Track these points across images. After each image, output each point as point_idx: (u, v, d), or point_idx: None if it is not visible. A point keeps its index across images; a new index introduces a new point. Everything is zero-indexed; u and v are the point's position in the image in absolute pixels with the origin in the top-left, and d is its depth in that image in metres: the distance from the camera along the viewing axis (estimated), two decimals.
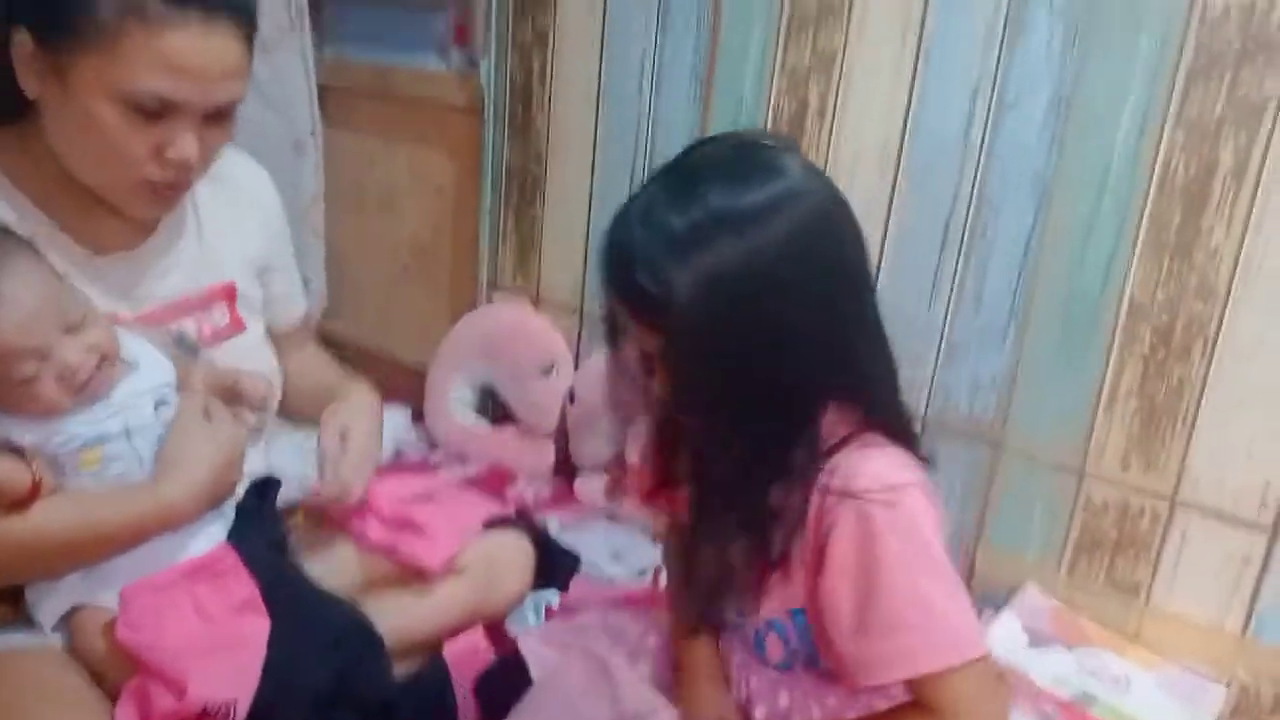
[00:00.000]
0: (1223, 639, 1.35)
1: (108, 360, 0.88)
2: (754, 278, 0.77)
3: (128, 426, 0.89)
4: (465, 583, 1.14)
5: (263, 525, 0.99)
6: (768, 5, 1.54)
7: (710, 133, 1.61)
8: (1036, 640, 1.41)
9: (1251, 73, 1.20)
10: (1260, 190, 1.23)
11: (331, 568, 1.09)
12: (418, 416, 2.08)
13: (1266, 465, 1.29)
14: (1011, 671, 1.34)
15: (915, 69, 1.43)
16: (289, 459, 1.18)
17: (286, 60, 1.97)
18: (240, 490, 1.00)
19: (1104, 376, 1.38)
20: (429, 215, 2.10)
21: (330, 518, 1.14)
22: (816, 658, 0.92)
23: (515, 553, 1.24)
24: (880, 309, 0.84)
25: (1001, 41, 1.34)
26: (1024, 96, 1.34)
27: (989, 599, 1.47)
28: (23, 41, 0.88)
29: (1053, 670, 1.36)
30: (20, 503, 0.84)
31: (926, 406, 1.51)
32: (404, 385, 2.09)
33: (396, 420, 2.01)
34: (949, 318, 1.48)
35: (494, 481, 1.92)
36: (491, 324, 2.00)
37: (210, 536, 0.95)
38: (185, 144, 0.91)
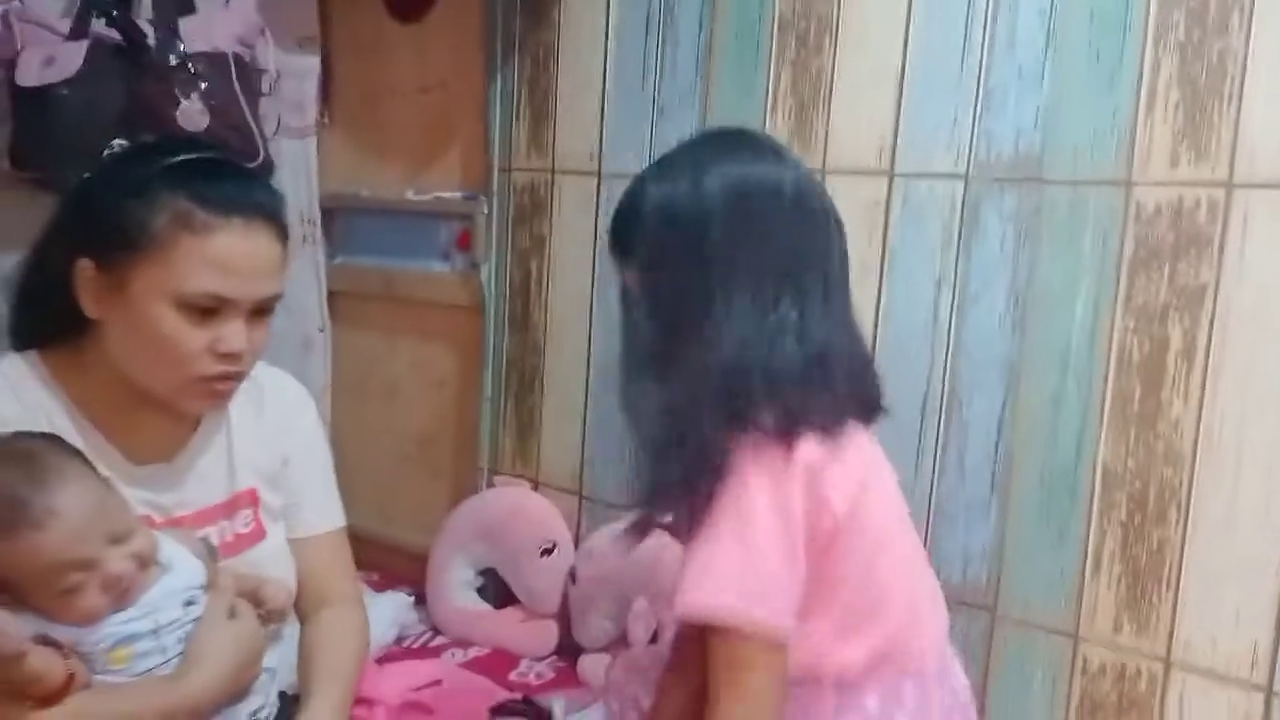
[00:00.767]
0: None
1: (148, 566, 0.94)
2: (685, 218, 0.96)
3: (158, 625, 0.95)
4: None
5: None
6: None
7: None
8: None
9: (1186, 264, 1.33)
10: (1210, 368, 1.33)
11: None
12: (420, 600, 2.10)
13: (1253, 624, 1.34)
14: None
15: (882, 269, 1.56)
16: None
17: (299, 267, 2.11)
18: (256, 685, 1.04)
19: (1087, 543, 1.45)
20: (431, 406, 2.20)
21: None
22: None
23: None
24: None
25: (958, 242, 1.48)
26: (984, 290, 1.46)
27: None
28: (84, 267, 0.99)
29: None
30: (54, 696, 0.89)
31: None
32: (406, 569, 2.13)
33: (399, 604, 2.04)
34: (933, 491, 1.56)
35: (498, 664, 1.92)
36: (492, 507, 2.05)
37: None
38: (235, 337, 1.00)
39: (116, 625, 0.93)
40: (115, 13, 1.67)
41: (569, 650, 1.94)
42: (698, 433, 0.94)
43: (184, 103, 1.68)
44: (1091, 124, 1.38)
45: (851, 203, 1.57)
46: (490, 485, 2.10)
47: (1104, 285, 1.39)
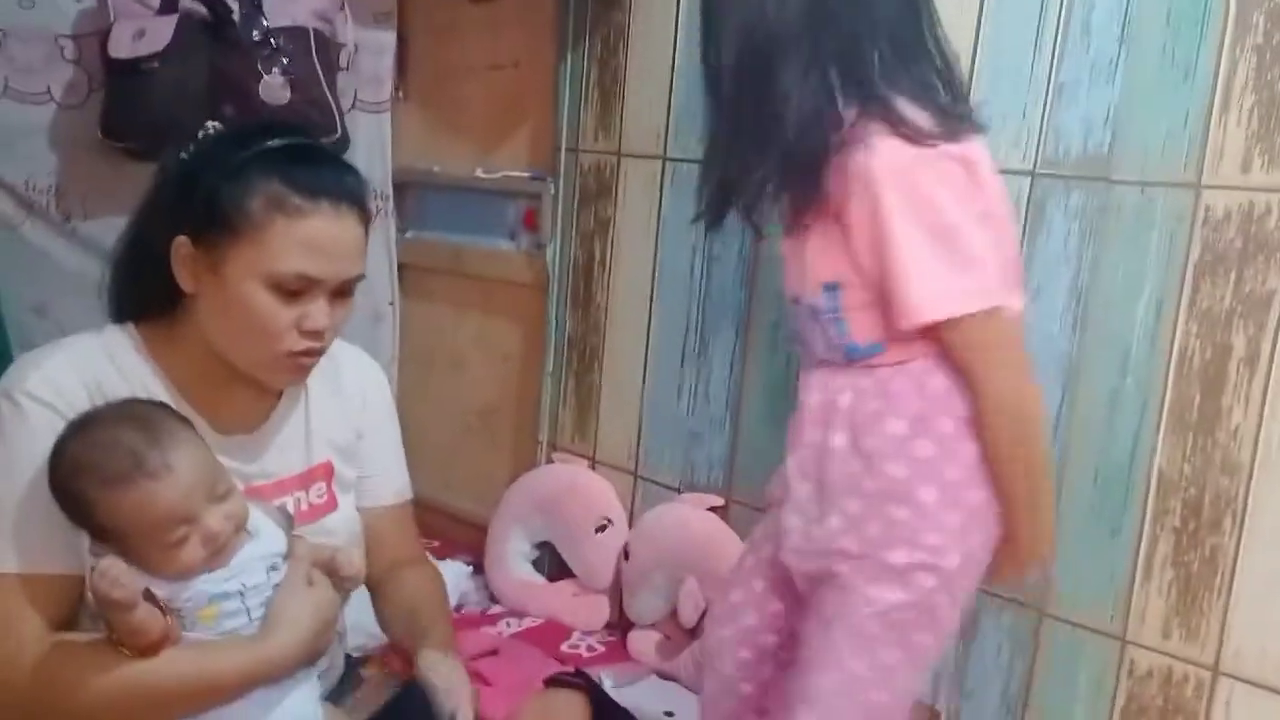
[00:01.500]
0: None
1: (241, 529, 1.00)
2: None
3: (244, 587, 1.00)
4: None
5: None
6: None
7: (754, 310, 1.76)
8: None
9: (1254, 270, 1.31)
10: (1273, 376, 1.31)
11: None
12: (478, 569, 2.17)
13: None
14: None
15: None
16: (361, 612, 1.28)
17: (371, 241, 2.16)
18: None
19: (1139, 547, 1.45)
20: (494, 380, 2.25)
21: (398, 667, 1.23)
22: (853, 348, 1.07)
23: (572, 711, 1.30)
24: None
25: (1023, 237, 1.47)
26: (1045, 286, 1.45)
27: None
28: (181, 244, 1.04)
29: None
30: (151, 648, 0.95)
31: None
32: (466, 538, 2.20)
33: (458, 572, 2.11)
34: None
35: (550, 635, 1.98)
36: (549, 482, 2.10)
37: (303, 694, 1.05)
38: (320, 315, 1.05)
39: (208, 584, 0.99)
40: None
41: (620, 625, 1.99)
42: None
43: (266, 77, 1.75)
44: (1163, 124, 1.36)
45: None
46: (549, 460, 2.15)
47: (1168, 288, 1.38)
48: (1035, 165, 1.46)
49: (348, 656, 1.26)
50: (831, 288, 1.07)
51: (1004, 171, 1.46)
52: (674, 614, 1.89)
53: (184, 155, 1.09)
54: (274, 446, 1.17)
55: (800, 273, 1.11)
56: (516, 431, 2.22)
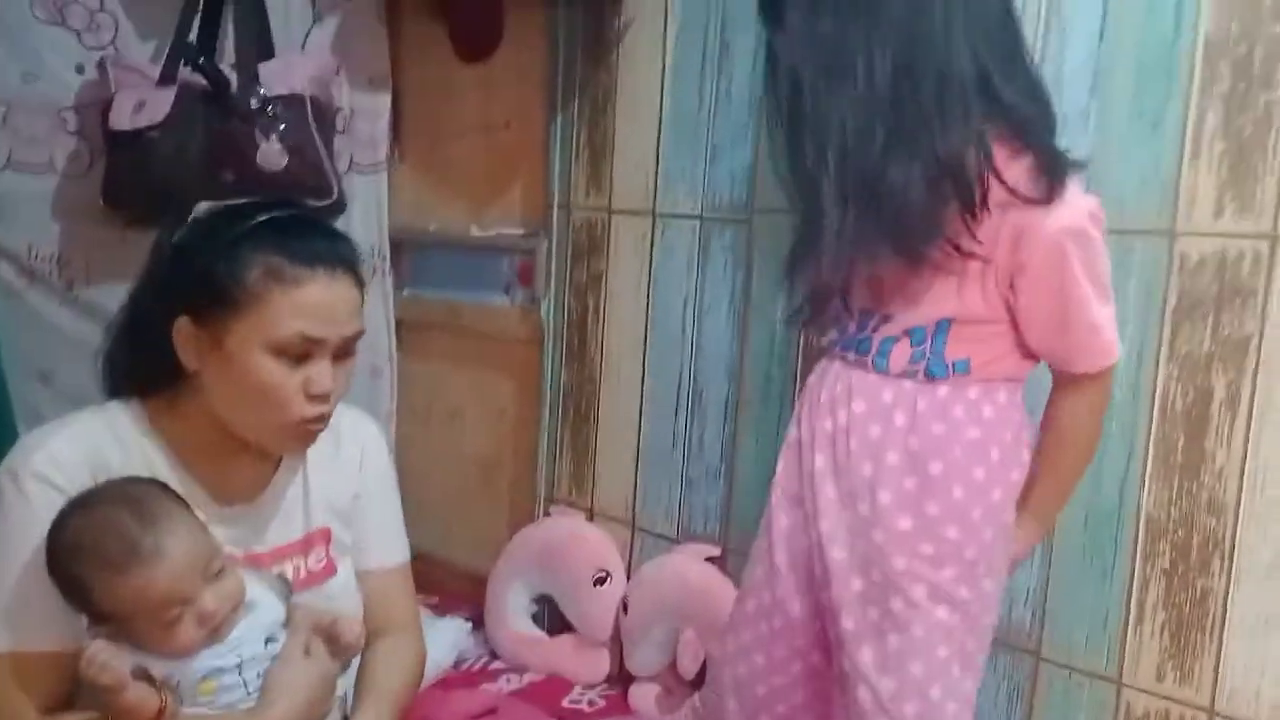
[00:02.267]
0: None
1: (238, 606, 1.01)
2: None
3: (241, 660, 1.02)
4: None
5: None
6: None
7: (747, 360, 1.79)
8: None
9: (1231, 315, 1.33)
10: (1254, 417, 1.33)
11: None
12: (478, 624, 2.17)
13: None
14: None
15: None
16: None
17: (369, 299, 2.19)
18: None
19: (1130, 589, 1.45)
20: (492, 434, 2.27)
21: None
22: (939, 367, 1.11)
23: None
24: None
25: None
26: None
27: None
28: (182, 325, 1.07)
29: None
30: None
31: None
32: (464, 591, 2.20)
33: (458, 628, 2.11)
34: None
35: (551, 690, 1.98)
36: (548, 536, 2.11)
37: None
38: (324, 377, 1.09)
39: (206, 660, 1.01)
40: (202, 60, 1.79)
41: (620, 678, 1.99)
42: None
43: (264, 144, 1.79)
44: (1135, 173, 1.39)
45: None
46: (546, 513, 2.16)
47: (1148, 334, 1.40)
48: None
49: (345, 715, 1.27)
50: (946, 321, 1.12)
51: None
52: (673, 665, 1.90)
53: (176, 237, 1.12)
54: (274, 514, 1.19)
55: (905, 297, 1.13)
56: (514, 484, 2.24)
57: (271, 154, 1.75)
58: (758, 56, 1.73)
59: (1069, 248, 1.07)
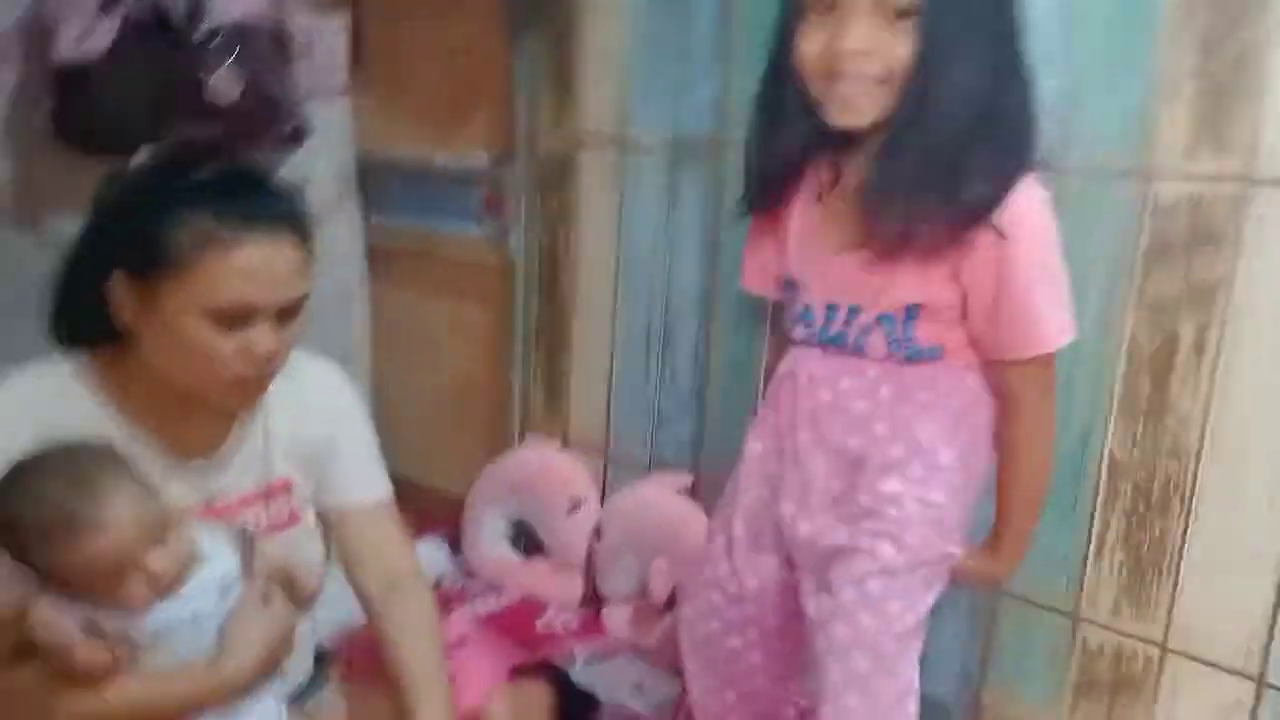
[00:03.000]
0: None
1: (188, 565, 1.01)
2: None
3: (195, 613, 1.02)
4: None
5: None
6: None
7: (718, 290, 1.77)
8: None
9: (1202, 259, 1.31)
10: (1220, 364, 1.32)
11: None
12: (455, 546, 2.20)
13: (1250, 615, 1.36)
14: None
15: None
16: (333, 596, 1.30)
17: (337, 226, 2.16)
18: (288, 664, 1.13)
19: (1090, 529, 1.47)
20: (467, 362, 2.26)
21: (363, 666, 1.26)
22: (915, 352, 1.11)
23: (538, 700, 1.34)
24: None
25: None
26: None
27: None
28: (116, 282, 1.04)
29: None
30: (99, 680, 0.97)
31: None
32: (443, 515, 2.23)
33: (435, 550, 2.14)
34: None
35: (526, 611, 2.02)
36: (522, 464, 2.12)
37: (261, 711, 1.07)
38: (265, 340, 1.04)
39: (159, 613, 1.00)
40: None
41: (593, 601, 2.03)
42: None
43: (214, 74, 1.72)
44: (1111, 114, 1.35)
45: None
46: (521, 440, 2.17)
47: (1118, 277, 1.38)
48: None
49: (318, 652, 1.29)
50: (914, 307, 1.10)
51: None
52: (645, 590, 1.93)
53: (115, 185, 1.08)
54: (233, 466, 1.17)
55: (872, 287, 1.11)
56: (489, 412, 2.24)
57: (223, 85, 1.69)
58: None
59: (1015, 238, 1.03)
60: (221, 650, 1.03)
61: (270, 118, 1.78)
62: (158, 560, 0.98)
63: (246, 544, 1.12)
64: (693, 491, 1.91)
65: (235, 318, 1.03)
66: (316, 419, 1.25)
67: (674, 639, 1.81)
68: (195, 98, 1.69)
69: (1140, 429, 1.40)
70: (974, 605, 1.59)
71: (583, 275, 1.99)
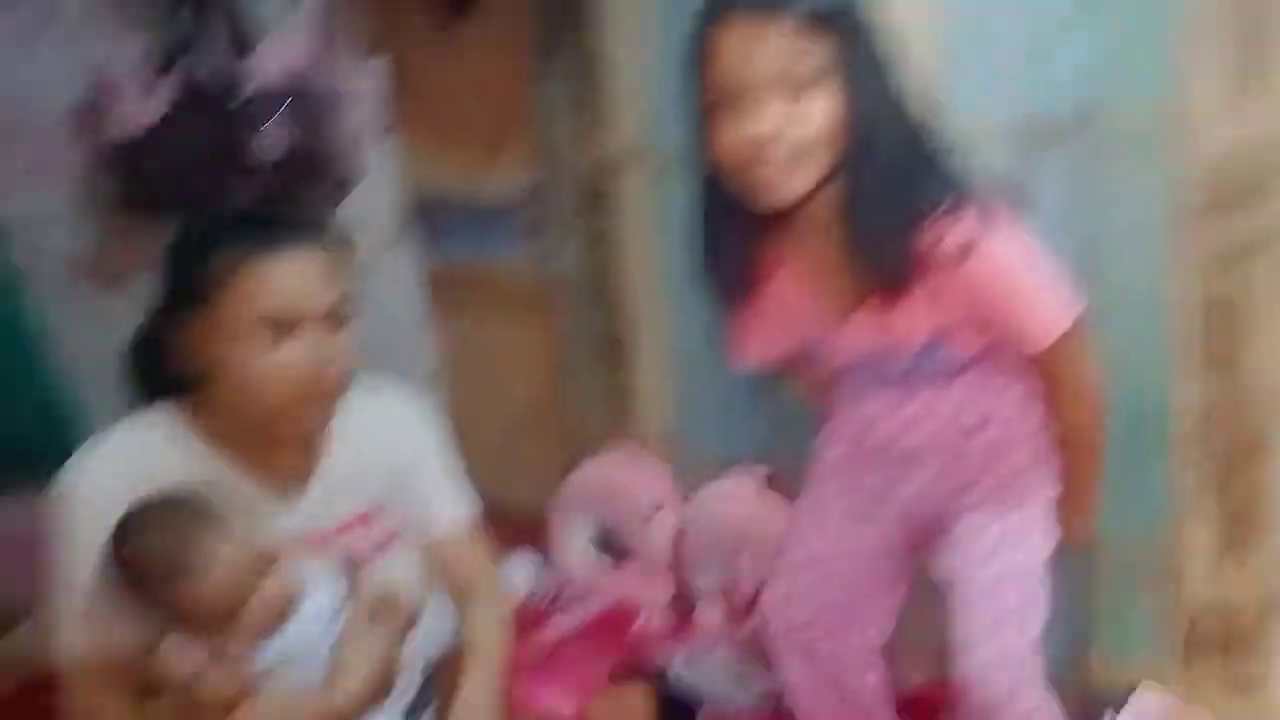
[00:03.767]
0: None
1: (294, 598, 1.07)
2: None
3: (306, 641, 1.08)
4: None
5: None
6: None
7: None
8: None
9: (1258, 203, 1.27)
10: None
11: None
12: (545, 560, 2.24)
13: None
14: None
15: None
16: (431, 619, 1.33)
17: (394, 266, 2.23)
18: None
19: (1179, 484, 1.43)
20: (530, 381, 2.32)
21: None
22: (951, 367, 1.16)
23: (638, 704, 1.36)
24: None
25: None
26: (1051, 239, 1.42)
27: (1106, 699, 1.51)
28: (182, 327, 1.11)
29: None
30: (226, 709, 1.03)
31: None
32: (530, 531, 2.27)
33: (526, 565, 2.18)
34: None
35: (619, 617, 2.05)
36: (600, 472, 2.15)
37: None
38: (314, 347, 1.10)
39: (272, 646, 1.07)
40: (188, 57, 1.77)
41: (684, 600, 2.05)
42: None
43: (263, 131, 1.78)
44: (1148, 69, 1.31)
45: None
46: (596, 452, 2.19)
47: (1173, 230, 1.34)
48: (1023, 122, 1.42)
49: (427, 670, 1.33)
50: (932, 340, 1.13)
51: (992, 132, 1.45)
52: (734, 585, 1.94)
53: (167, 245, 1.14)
54: (326, 495, 1.22)
55: (883, 343, 1.14)
56: (560, 426, 2.28)
57: (268, 142, 1.75)
58: None
59: (979, 256, 1.05)
60: (334, 674, 1.09)
61: (315, 169, 1.83)
62: (265, 596, 1.04)
63: (348, 571, 1.18)
64: (770, 483, 1.91)
65: (280, 328, 1.08)
66: (398, 444, 1.29)
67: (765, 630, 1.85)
68: (243, 156, 1.76)
69: (1217, 385, 1.36)
70: (1070, 571, 1.55)
71: (633, 287, 2.02)
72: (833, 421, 1.32)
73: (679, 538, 2.03)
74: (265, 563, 1.07)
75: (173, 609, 1.03)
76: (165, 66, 1.76)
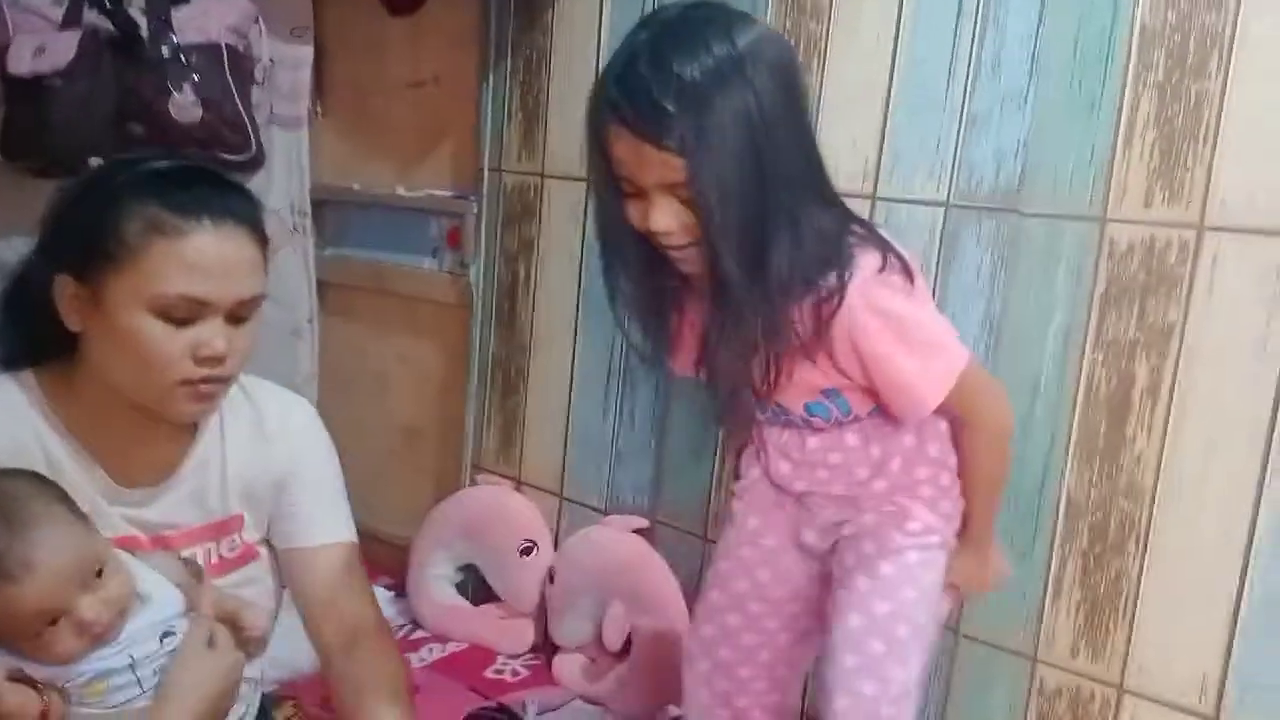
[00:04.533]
0: None
1: (124, 612, 0.95)
2: (753, 104, 1.01)
3: (134, 659, 0.96)
4: None
5: None
6: None
7: None
8: None
9: (1156, 302, 1.35)
10: (1174, 405, 1.36)
11: None
12: (400, 593, 2.13)
13: (1204, 656, 1.37)
14: None
15: None
16: (283, 641, 1.23)
17: (289, 257, 2.13)
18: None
19: (1049, 568, 1.48)
20: (418, 400, 2.22)
21: (313, 707, 1.19)
22: (854, 416, 1.18)
23: None
24: None
25: (937, 268, 1.50)
26: (959, 316, 1.47)
27: None
28: (64, 282, 1.00)
29: None
30: None
31: None
32: (387, 559, 2.17)
33: (380, 597, 2.06)
34: None
35: (474, 660, 1.96)
36: (473, 505, 2.08)
37: None
38: (215, 339, 1.00)
39: (93, 661, 0.94)
40: (109, 3, 1.68)
41: (545, 649, 1.98)
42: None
43: (176, 95, 1.70)
44: (1070, 158, 1.39)
45: None
46: (473, 482, 2.13)
47: (1075, 318, 1.41)
48: (949, 196, 1.49)
49: (263, 696, 1.22)
50: (829, 390, 1.17)
51: (919, 202, 1.51)
52: (599, 637, 1.89)
53: (61, 191, 1.04)
54: (183, 497, 1.11)
55: (782, 390, 1.17)
56: (440, 452, 2.20)
57: (185, 105, 1.67)
58: None
59: (856, 327, 1.09)
60: (161, 696, 0.97)
61: (229, 141, 1.75)
62: (90, 607, 0.92)
63: (192, 581, 1.06)
64: (649, 534, 1.88)
65: (184, 313, 0.99)
66: (276, 454, 1.18)
67: (628, 685, 1.80)
68: (154, 118, 1.67)
69: (1097, 469, 1.42)
70: (934, 646, 1.58)
71: (542, 312, 1.98)
72: (747, 451, 1.32)
73: (547, 582, 1.97)
74: (99, 562, 0.95)
75: None
76: (81, 6, 1.66)
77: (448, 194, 2.07)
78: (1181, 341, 1.34)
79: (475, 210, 2.01)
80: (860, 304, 1.08)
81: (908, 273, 1.11)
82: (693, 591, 1.64)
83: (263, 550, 1.18)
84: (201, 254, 0.99)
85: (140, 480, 1.08)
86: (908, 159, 1.52)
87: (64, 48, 1.64)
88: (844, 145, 1.56)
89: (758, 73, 1.01)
